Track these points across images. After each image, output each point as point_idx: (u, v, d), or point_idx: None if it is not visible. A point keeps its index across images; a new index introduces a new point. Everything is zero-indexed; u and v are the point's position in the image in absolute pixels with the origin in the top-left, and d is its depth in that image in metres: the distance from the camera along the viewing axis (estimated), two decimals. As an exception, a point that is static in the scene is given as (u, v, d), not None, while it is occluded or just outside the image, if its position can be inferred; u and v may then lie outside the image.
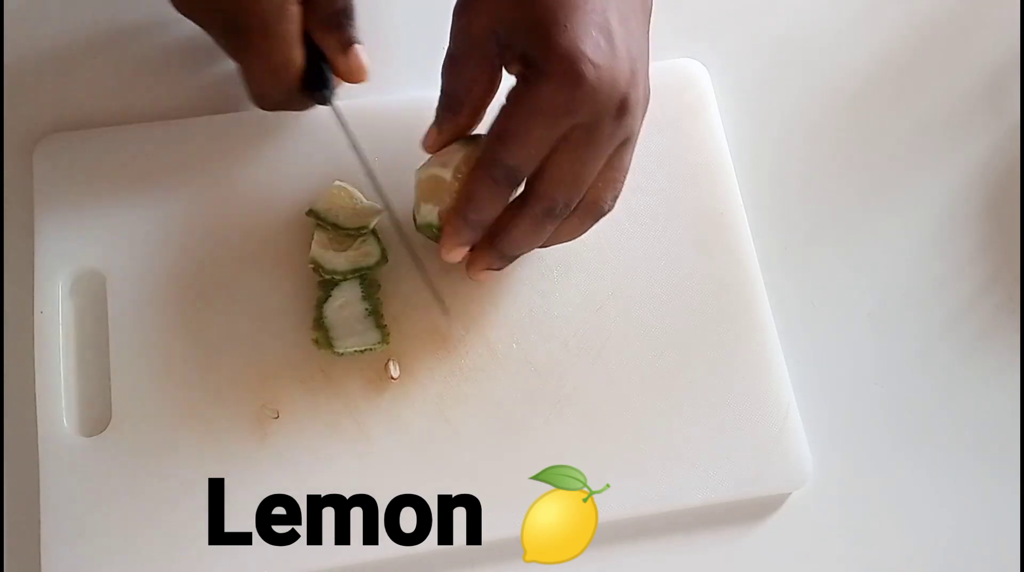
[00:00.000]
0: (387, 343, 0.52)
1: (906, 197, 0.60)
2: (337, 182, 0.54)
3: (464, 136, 0.51)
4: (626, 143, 0.48)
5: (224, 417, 0.50)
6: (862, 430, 0.55)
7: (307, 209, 0.54)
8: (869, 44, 0.64)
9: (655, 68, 0.49)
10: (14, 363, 0.52)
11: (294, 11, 0.48)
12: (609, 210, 0.50)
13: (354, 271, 0.53)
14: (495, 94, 0.49)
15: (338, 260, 0.53)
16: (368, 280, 0.53)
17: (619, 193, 0.49)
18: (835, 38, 0.64)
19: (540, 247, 0.51)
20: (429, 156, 0.51)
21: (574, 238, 0.51)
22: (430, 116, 0.50)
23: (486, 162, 0.47)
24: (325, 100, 0.51)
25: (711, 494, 0.51)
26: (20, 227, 0.54)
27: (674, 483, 0.51)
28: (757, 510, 0.53)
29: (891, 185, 0.61)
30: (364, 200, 0.54)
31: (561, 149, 0.46)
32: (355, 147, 0.52)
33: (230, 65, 0.57)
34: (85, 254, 0.53)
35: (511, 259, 0.51)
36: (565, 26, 0.44)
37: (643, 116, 0.49)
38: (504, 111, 0.46)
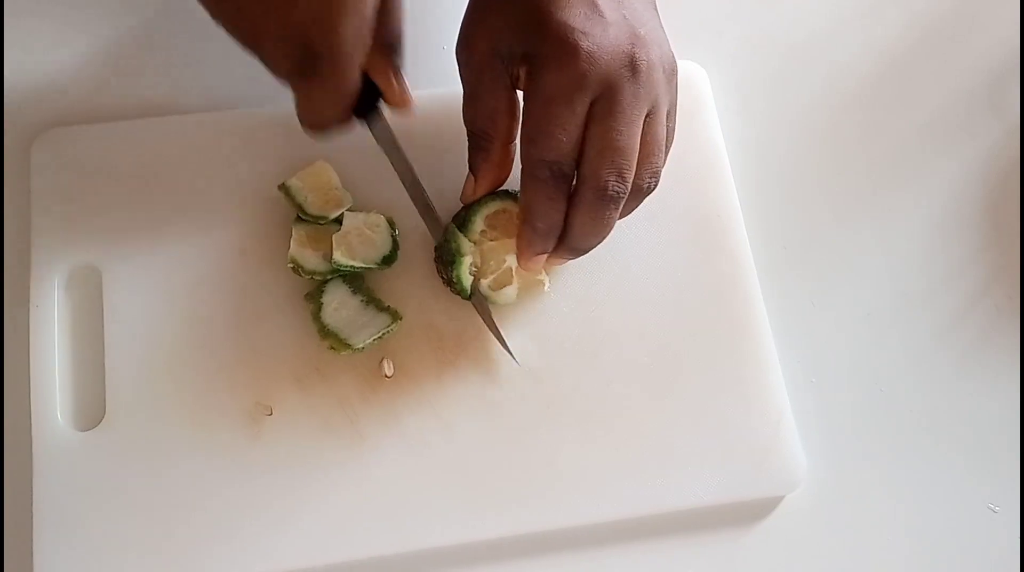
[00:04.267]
0: (401, 319, 0.52)
1: (905, 197, 0.60)
2: (321, 161, 0.54)
3: (502, 179, 0.51)
4: (653, 113, 0.48)
5: (218, 413, 0.51)
6: (856, 433, 0.55)
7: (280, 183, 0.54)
8: (868, 45, 0.64)
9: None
10: (10, 357, 0.52)
11: (368, 39, 0.45)
12: (650, 189, 0.49)
13: (335, 271, 0.52)
14: (518, 121, 0.49)
15: (316, 259, 0.53)
16: (349, 276, 0.53)
17: (658, 169, 0.49)
18: (834, 39, 0.64)
19: None
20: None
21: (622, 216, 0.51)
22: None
23: (527, 167, 0.47)
24: (375, 122, 0.50)
25: (705, 496, 0.51)
26: (17, 221, 0.55)
27: (668, 485, 0.51)
28: (751, 513, 0.53)
29: (890, 186, 0.60)
30: (340, 187, 0.54)
31: (591, 127, 0.46)
32: (404, 173, 0.52)
33: (226, 62, 0.58)
34: (81, 249, 0.53)
35: (584, 252, 0.50)
36: (551, 11, 0.45)
37: (671, 83, 0.49)
38: (524, 112, 0.47)
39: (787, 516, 0.53)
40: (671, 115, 0.50)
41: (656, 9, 0.50)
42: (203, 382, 0.51)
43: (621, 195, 0.47)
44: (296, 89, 0.46)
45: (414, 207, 0.53)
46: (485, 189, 0.51)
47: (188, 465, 0.50)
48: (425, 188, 0.53)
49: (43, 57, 0.59)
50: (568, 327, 0.54)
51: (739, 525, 0.52)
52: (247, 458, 0.50)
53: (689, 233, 0.56)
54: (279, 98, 0.56)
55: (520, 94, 0.49)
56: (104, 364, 0.51)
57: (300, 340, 0.52)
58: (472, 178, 0.51)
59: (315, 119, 0.48)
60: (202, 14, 0.44)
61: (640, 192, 0.49)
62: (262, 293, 0.53)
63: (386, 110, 0.51)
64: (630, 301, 0.55)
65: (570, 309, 0.54)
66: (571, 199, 0.48)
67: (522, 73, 0.47)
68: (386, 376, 0.52)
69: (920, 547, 0.53)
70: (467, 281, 0.51)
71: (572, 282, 0.55)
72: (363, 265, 0.52)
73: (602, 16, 0.46)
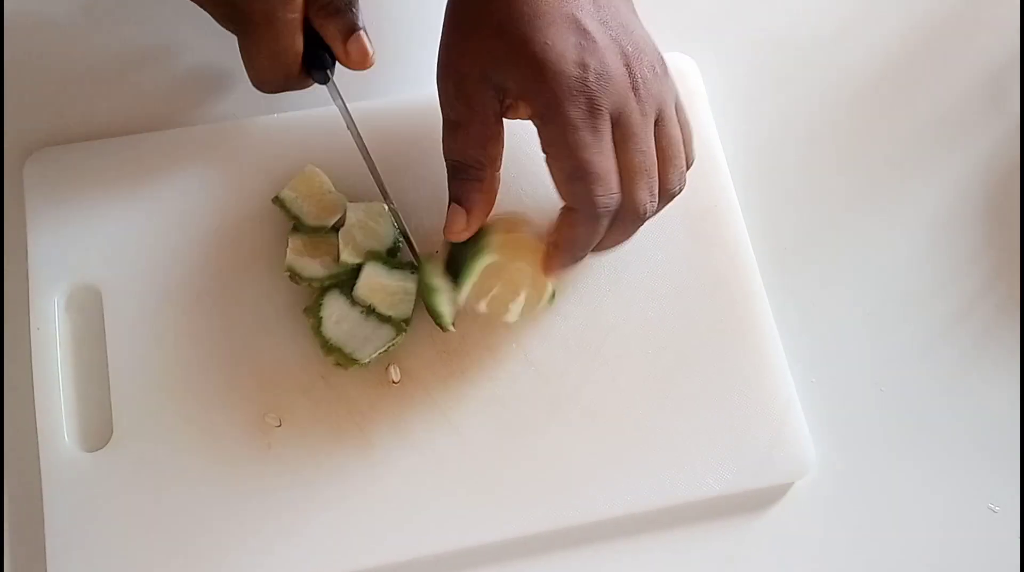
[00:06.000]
0: (405, 331, 0.51)
1: (906, 196, 0.60)
2: (310, 165, 0.54)
3: (492, 207, 0.49)
4: (661, 118, 0.48)
5: (226, 427, 0.50)
6: (856, 433, 0.55)
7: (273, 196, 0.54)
8: (869, 43, 0.63)
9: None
10: (13, 380, 0.52)
11: (298, 1, 0.48)
12: (680, 190, 0.49)
13: (332, 277, 0.52)
14: (504, 147, 0.48)
15: (314, 266, 0.52)
16: (346, 286, 0.52)
17: (683, 170, 0.49)
18: (834, 36, 0.63)
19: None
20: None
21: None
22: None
23: (579, 204, 0.46)
24: (324, 80, 0.51)
25: (714, 486, 0.52)
26: (15, 243, 0.53)
27: (677, 477, 0.52)
28: (759, 501, 0.53)
29: (891, 184, 0.61)
30: (333, 190, 0.53)
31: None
32: (352, 129, 0.52)
33: (220, 75, 0.57)
34: (79, 268, 0.52)
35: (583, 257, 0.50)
36: (545, 44, 0.44)
37: (665, 82, 0.48)
38: (556, 155, 0.45)
39: (796, 503, 0.53)
40: (679, 108, 0.50)
41: (634, 10, 0.50)
42: (210, 397, 0.51)
43: (653, 211, 0.48)
44: (239, 46, 0.49)
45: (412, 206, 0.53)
46: (480, 221, 0.49)
47: (199, 480, 0.49)
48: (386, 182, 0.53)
49: (34, 77, 0.57)
50: (571, 324, 0.54)
51: (748, 513, 0.53)
52: (258, 470, 0.50)
53: (687, 226, 0.56)
54: (269, 109, 0.56)
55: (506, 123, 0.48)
56: (109, 383, 0.51)
57: (305, 350, 0.52)
58: (460, 211, 0.48)
59: (258, 76, 0.50)
60: (191, 29, 0.44)
61: (670, 197, 0.49)
62: (264, 304, 0.53)
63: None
64: (632, 296, 0.55)
65: (572, 306, 0.54)
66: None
67: (524, 113, 0.47)
68: (393, 382, 0.52)
69: (920, 547, 0.54)
70: (449, 315, 0.50)
71: (573, 279, 0.54)
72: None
73: (594, 41, 0.45)
